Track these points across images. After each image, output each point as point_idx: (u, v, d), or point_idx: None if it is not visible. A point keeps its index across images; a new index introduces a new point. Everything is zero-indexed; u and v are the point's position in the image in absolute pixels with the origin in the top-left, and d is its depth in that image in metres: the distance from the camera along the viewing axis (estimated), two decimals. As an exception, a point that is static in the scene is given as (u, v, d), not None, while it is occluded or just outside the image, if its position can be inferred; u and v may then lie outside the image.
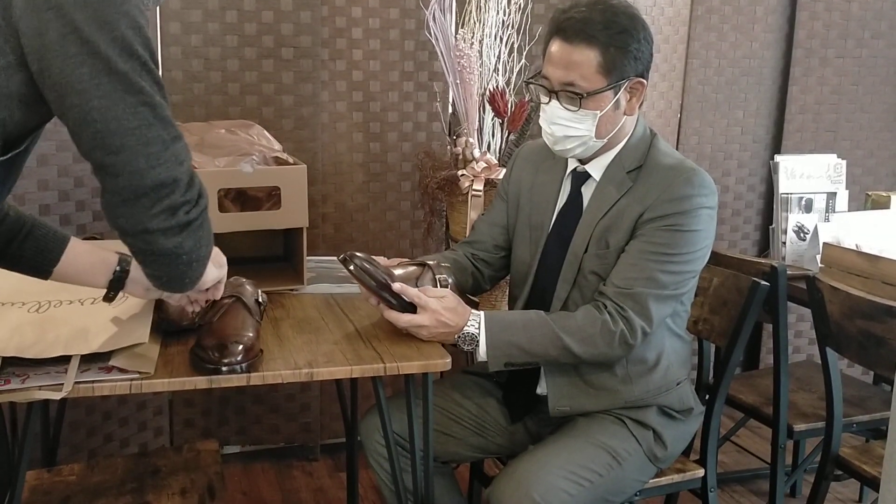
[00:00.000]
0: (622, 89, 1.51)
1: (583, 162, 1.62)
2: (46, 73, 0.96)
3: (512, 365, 1.52)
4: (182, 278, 1.12)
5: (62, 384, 1.18)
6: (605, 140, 1.56)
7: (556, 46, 1.51)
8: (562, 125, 1.53)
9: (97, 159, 1.00)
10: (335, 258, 1.89)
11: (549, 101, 1.54)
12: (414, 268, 1.56)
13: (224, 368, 1.26)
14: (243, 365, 1.27)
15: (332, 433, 2.66)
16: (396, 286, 1.46)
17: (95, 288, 1.24)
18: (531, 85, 1.61)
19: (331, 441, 2.67)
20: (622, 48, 1.48)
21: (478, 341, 1.49)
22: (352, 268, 1.44)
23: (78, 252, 1.22)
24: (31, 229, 1.20)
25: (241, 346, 1.29)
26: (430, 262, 1.58)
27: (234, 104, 2.35)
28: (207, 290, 1.32)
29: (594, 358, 1.52)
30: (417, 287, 1.49)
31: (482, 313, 1.50)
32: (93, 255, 1.24)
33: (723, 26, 2.77)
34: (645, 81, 1.53)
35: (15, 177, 1.09)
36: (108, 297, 1.24)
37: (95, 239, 1.36)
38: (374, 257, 1.50)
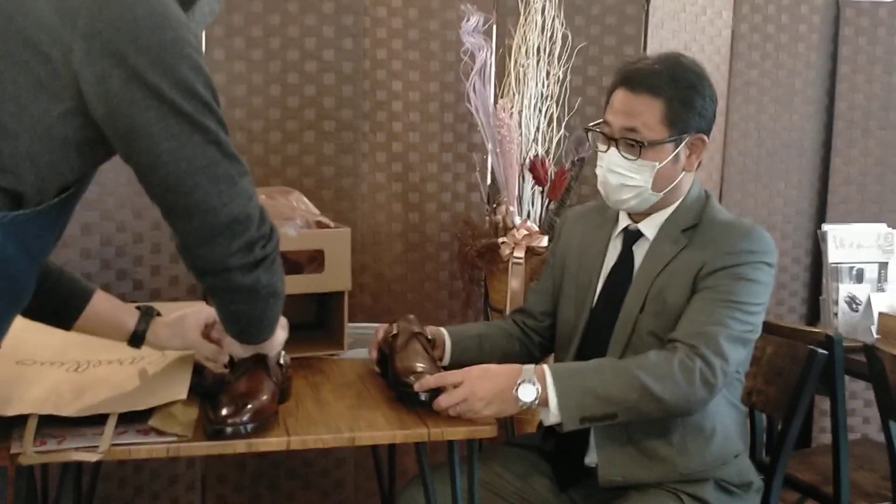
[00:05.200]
0: (683, 144, 1.50)
1: (635, 220, 1.58)
2: (113, 119, 0.96)
3: (588, 421, 1.37)
4: (260, 320, 1.13)
5: (97, 446, 1.14)
6: (662, 195, 1.53)
7: (620, 95, 1.50)
8: (619, 173, 1.50)
9: (169, 202, 1.01)
10: (374, 325, 1.86)
11: (608, 148, 1.52)
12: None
13: (228, 430, 1.20)
14: (248, 426, 1.21)
15: (368, 511, 2.57)
16: (430, 381, 1.36)
17: (116, 341, 1.27)
18: (590, 132, 1.59)
19: (366, 520, 2.57)
20: (687, 103, 1.47)
21: (543, 395, 1.34)
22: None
23: (101, 308, 1.23)
24: (58, 278, 1.19)
25: (249, 407, 1.23)
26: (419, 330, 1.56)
27: (275, 175, 2.37)
28: None
29: (678, 401, 1.37)
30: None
31: (543, 365, 1.40)
32: (115, 310, 1.27)
33: (762, 98, 2.76)
34: (706, 139, 1.52)
35: (66, 220, 1.09)
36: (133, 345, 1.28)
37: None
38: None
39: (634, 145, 1.48)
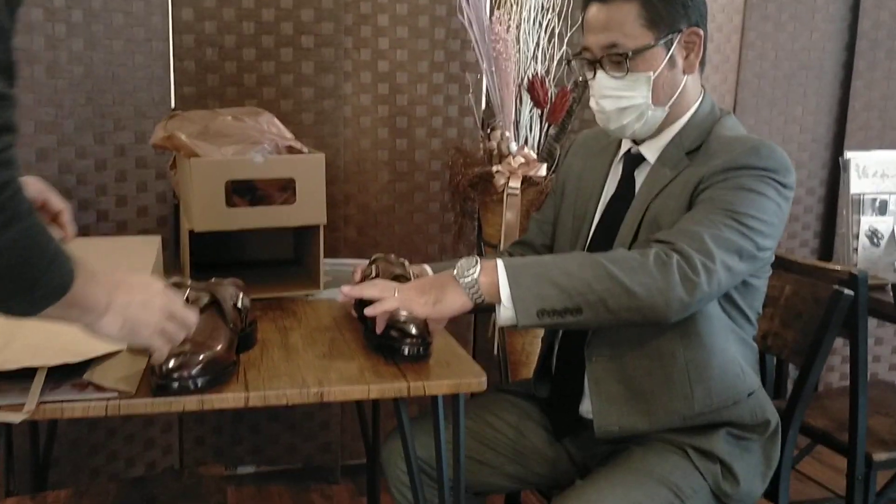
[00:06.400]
0: (675, 44, 1.32)
1: (638, 143, 1.41)
2: None
3: (547, 315, 1.15)
4: None
5: (23, 404, 0.99)
6: (667, 108, 1.35)
7: (592, 10, 1.34)
8: (612, 97, 1.33)
9: None
10: (354, 261, 1.70)
11: (595, 74, 1.35)
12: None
13: (175, 385, 1.05)
14: (198, 381, 1.06)
15: (354, 453, 2.46)
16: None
17: None
18: (574, 63, 1.44)
19: (352, 462, 2.47)
20: None
21: (494, 285, 1.15)
22: None
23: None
24: None
25: (200, 359, 1.07)
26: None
27: (250, 96, 2.18)
28: None
29: (651, 296, 1.16)
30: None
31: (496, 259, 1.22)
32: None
33: (780, 15, 2.55)
34: (701, 32, 1.33)
35: None
36: None
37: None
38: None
39: (620, 60, 1.31)
